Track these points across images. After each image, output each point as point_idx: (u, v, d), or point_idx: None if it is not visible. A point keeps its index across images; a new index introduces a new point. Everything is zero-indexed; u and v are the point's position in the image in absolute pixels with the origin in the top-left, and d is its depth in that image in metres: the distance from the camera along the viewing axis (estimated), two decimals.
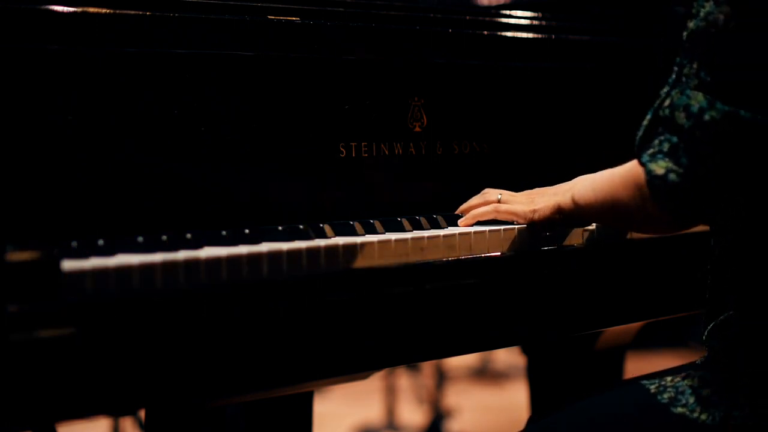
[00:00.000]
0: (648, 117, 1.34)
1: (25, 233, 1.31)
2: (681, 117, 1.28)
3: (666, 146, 1.29)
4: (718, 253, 1.40)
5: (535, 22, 1.90)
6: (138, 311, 1.15)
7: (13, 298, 1.08)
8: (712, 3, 1.28)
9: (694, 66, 1.29)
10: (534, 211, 1.53)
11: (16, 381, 1.06)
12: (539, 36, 1.89)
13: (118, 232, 1.35)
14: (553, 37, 1.91)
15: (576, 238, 1.62)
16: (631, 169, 1.35)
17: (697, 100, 1.27)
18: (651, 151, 1.30)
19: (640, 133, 1.34)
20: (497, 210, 1.56)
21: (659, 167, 1.29)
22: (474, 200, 1.61)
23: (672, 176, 1.28)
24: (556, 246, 1.59)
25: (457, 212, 1.62)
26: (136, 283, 1.17)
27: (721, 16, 1.27)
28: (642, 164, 1.31)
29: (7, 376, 1.06)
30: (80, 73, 1.38)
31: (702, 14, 1.29)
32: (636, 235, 1.70)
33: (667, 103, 1.31)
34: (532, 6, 1.95)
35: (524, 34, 1.88)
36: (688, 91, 1.28)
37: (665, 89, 1.32)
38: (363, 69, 1.66)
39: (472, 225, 1.57)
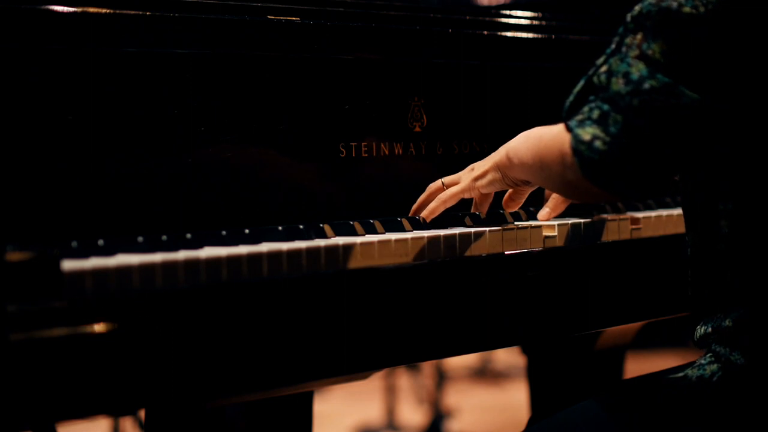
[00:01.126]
0: (581, 83, 1.32)
1: (25, 233, 1.31)
2: (619, 83, 1.26)
3: (596, 113, 1.27)
4: (693, 249, 1.40)
5: (535, 22, 1.91)
6: (138, 311, 1.15)
7: (13, 298, 1.08)
8: None
9: (638, 37, 1.27)
10: (477, 178, 1.51)
11: (16, 381, 1.06)
12: (539, 36, 1.90)
13: (118, 232, 1.35)
14: (553, 37, 1.91)
15: (575, 237, 1.62)
16: (558, 133, 1.32)
17: (638, 68, 1.25)
18: (579, 117, 1.28)
19: (571, 98, 1.32)
20: (441, 200, 1.55)
21: (586, 133, 1.27)
22: (421, 198, 1.60)
23: (598, 143, 1.25)
24: (556, 246, 1.59)
25: (410, 214, 1.61)
26: (136, 283, 1.17)
27: (674, 3, 1.26)
28: (569, 129, 1.29)
29: (7, 376, 1.06)
30: (80, 73, 1.38)
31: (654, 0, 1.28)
32: (636, 235, 1.70)
33: (603, 69, 1.29)
34: (532, 6, 1.95)
35: (524, 34, 1.88)
36: (629, 59, 1.27)
37: (602, 59, 1.31)
38: (363, 69, 1.66)
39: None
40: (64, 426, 1.21)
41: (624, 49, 1.28)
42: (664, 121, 1.24)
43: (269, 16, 1.57)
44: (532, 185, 1.53)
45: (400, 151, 1.70)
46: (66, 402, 1.10)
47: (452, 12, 1.82)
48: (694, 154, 1.30)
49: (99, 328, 1.11)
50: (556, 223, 1.61)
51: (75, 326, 1.10)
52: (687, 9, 1.26)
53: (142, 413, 2.13)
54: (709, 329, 1.37)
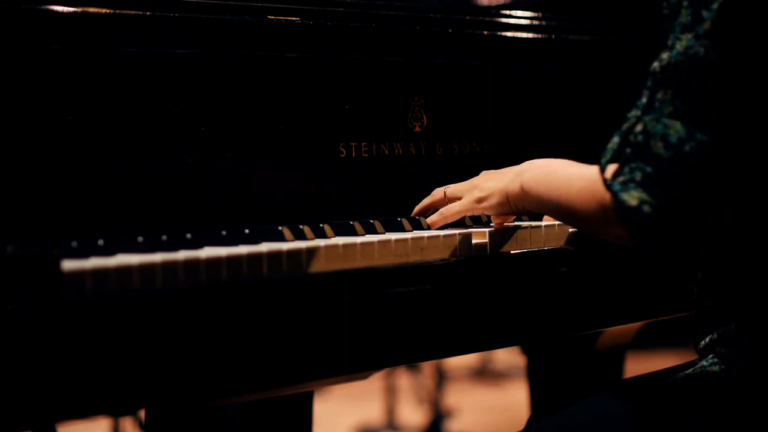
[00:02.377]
0: (615, 140, 1.30)
1: (25, 233, 1.31)
2: (658, 146, 1.25)
3: (638, 175, 1.25)
4: (708, 262, 1.39)
5: (535, 22, 1.90)
6: (138, 311, 1.15)
7: (14, 298, 1.08)
8: (691, 37, 1.26)
9: (669, 93, 1.26)
10: (480, 200, 1.51)
11: (16, 381, 1.06)
12: (539, 36, 1.89)
13: (118, 232, 1.35)
14: (553, 37, 1.91)
15: (575, 237, 1.62)
16: (592, 185, 1.31)
17: (676, 129, 1.24)
18: (622, 179, 1.27)
19: (608, 156, 1.30)
20: (443, 215, 1.55)
21: (632, 198, 1.25)
22: (424, 202, 1.61)
23: (646, 208, 1.24)
24: (556, 246, 1.59)
25: (412, 215, 1.61)
26: (136, 283, 1.17)
27: (702, 50, 1.25)
28: (613, 192, 1.27)
29: (7, 376, 1.06)
30: (80, 73, 1.38)
31: (679, 47, 1.27)
32: None
33: (639, 128, 1.27)
34: (532, 6, 1.95)
35: (524, 34, 1.88)
36: (664, 120, 1.25)
37: (634, 112, 1.29)
38: (363, 69, 1.66)
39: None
40: (64, 426, 1.21)
41: (657, 104, 1.27)
42: (705, 183, 1.25)
43: (269, 16, 1.57)
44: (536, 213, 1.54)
45: (400, 151, 1.70)
46: (66, 402, 1.10)
47: (452, 12, 1.82)
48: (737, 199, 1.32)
49: (99, 328, 1.11)
50: (556, 223, 1.61)
51: (75, 326, 1.10)
52: (714, 57, 1.25)
53: (142, 413, 2.13)
54: (715, 336, 1.37)
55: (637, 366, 2.40)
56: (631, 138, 1.28)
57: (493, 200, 1.49)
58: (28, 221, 1.32)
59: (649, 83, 1.29)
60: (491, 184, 1.50)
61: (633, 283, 1.69)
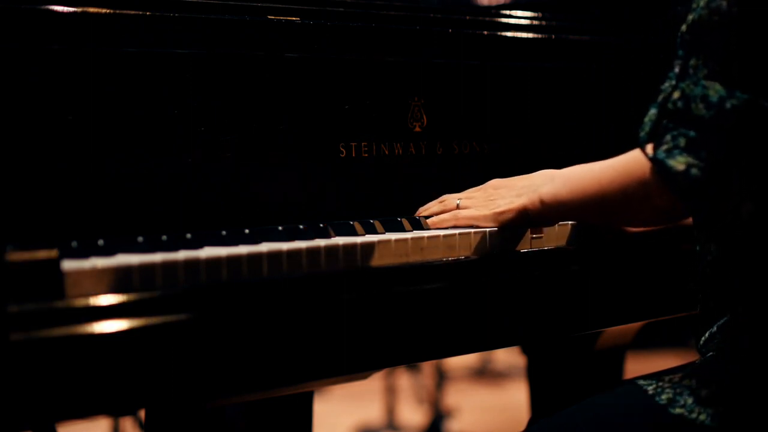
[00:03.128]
0: (653, 111, 1.31)
1: (25, 233, 1.31)
2: (700, 108, 1.25)
3: (682, 141, 1.26)
4: (716, 254, 1.39)
5: (535, 22, 1.90)
6: (138, 311, 1.15)
7: (14, 298, 1.08)
8: None
9: (701, 57, 1.27)
10: (498, 214, 1.51)
11: (16, 381, 1.06)
12: (539, 36, 1.89)
13: (118, 232, 1.35)
14: (553, 37, 1.91)
15: (576, 236, 1.62)
16: (628, 165, 1.32)
17: (715, 89, 1.25)
18: (665, 147, 1.27)
19: (647, 129, 1.31)
20: (456, 217, 1.55)
21: (679, 163, 1.26)
22: (433, 207, 1.60)
23: (694, 171, 1.25)
24: (557, 246, 1.59)
25: (416, 215, 1.61)
26: (136, 283, 1.17)
27: (724, 3, 1.26)
28: (659, 161, 1.27)
29: (7, 376, 1.06)
30: (80, 73, 1.38)
31: (702, 3, 1.28)
32: (634, 232, 1.70)
33: (676, 95, 1.28)
34: (532, 6, 1.95)
35: (524, 34, 1.88)
36: (703, 82, 1.26)
37: (668, 83, 1.30)
38: (363, 69, 1.66)
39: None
40: (64, 426, 1.21)
41: (691, 71, 1.27)
42: (749, 139, 1.24)
43: (269, 16, 1.57)
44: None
45: (400, 151, 1.70)
46: (66, 402, 1.10)
47: (452, 12, 1.82)
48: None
49: (99, 328, 1.11)
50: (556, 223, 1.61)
51: (75, 326, 1.10)
52: (735, 9, 1.25)
53: (142, 413, 2.13)
54: (715, 329, 1.37)
55: (637, 366, 2.40)
56: (670, 106, 1.28)
57: (509, 215, 1.50)
58: (28, 221, 1.32)
59: (680, 52, 1.30)
60: (507, 200, 1.51)
61: (633, 283, 1.69)
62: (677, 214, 1.33)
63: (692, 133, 1.25)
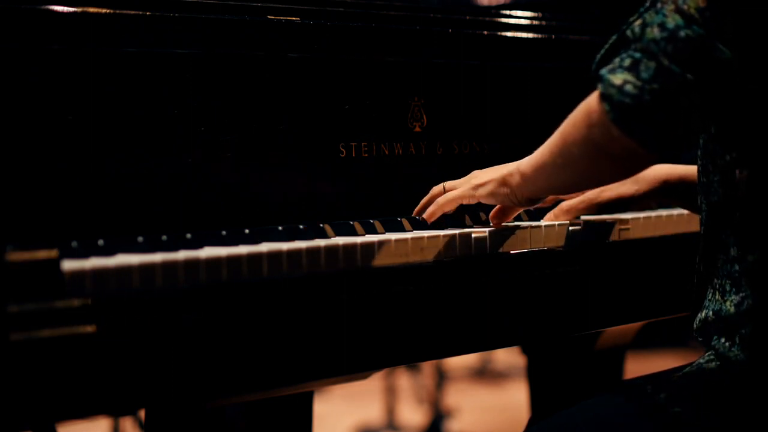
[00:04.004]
0: (613, 37, 1.31)
1: (25, 233, 1.31)
2: (654, 31, 1.26)
3: (627, 61, 1.27)
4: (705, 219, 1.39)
5: (535, 22, 1.91)
6: (138, 311, 1.15)
7: (14, 298, 1.08)
8: None
9: None
10: (477, 186, 1.51)
11: (16, 381, 1.06)
12: (539, 36, 1.90)
13: (118, 232, 1.35)
14: (553, 37, 1.91)
15: (575, 237, 1.62)
16: (584, 101, 1.32)
17: (674, 18, 1.26)
18: (610, 66, 1.28)
19: (602, 52, 1.31)
20: (438, 204, 1.55)
21: (617, 78, 1.26)
22: (423, 201, 1.61)
23: (629, 87, 1.25)
24: (556, 246, 1.59)
25: (413, 215, 1.61)
26: (136, 283, 1.17)
27: None
28: (599, 76, 1.28)
29: (7, 376, 1.06)
30: (80, 73, 1.38)
31: None
32: (635, 235, 1.70)
33: (638, 22, 1.29)
34: (532, 6, 1.96)
35: (524, 34, 1.88)
36: (664, 10, 1.27)
37: (635, 16, 1.31)
38: (363, 69, 1.66)
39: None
40: (64, 426, 1.21)
41: (659, 4, 1.29)
42: (696, 69, 1.24)
43: (269, 16, 1.57)
44: (534, 203, 1.52)
45: (400, 151, 1.70)
46: (66, 402, 1.10)
47: (452, 12, 1.82)
48: (720, 111, 1.31)
49: (99, 328, 1.11)
50: (556, 223, 1.61)
51: (75, 326, 1.10)
52: None
53: (142, 413, 2.13)
54: (710, 314, 1.37)
55: (637, 366, 2.41)
56: (628, 33, 1.29)
57: (490, 186, 1.49)
58: (28, 221, 1.32)
59: None
60: (489, 173, 1.51)
61: (633, 283, 1.69)
62: (622, 149, 1.30)
63: (638, 55, 1.26)
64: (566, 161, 1.37)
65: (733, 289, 1.35)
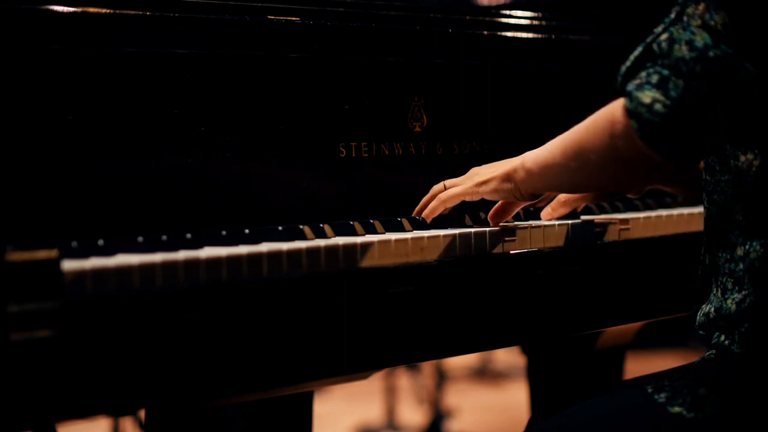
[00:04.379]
0: (639, 50, 1.30)
1: (25, 233, 1.31)
2: (682, 49, 1.26)
3: (655, 78, 1.26)
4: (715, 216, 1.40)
5: (535, 22, 1.91)
6: (138, 311, 1.15)
7: (14, 298, 1.08)
8: None
9: (700, 7, 1.28)
10: (480, 183, 1.50)
11: (16, 381, 1.06)
12: (539, 36, 1.90)
13: (118, 232, 1.35)
14: (553, 37, 1.91)
15: (575, 236, 1.62)
16: (606, 110, 1.32)
17: (702, 37, 1.26)
18: (637, 81, 1.28)
19: (628, 64, 1.31)
20: (441, 200, 1.55)
21: (645, 96, 1.26)
22: (424, 199, 1.60)
23: (658, 106, 1.25)
24: (556, 246, 1.59)
25: (413, 215, 1.61)
26: (136, 283, 1.17)
27: None
28: (626, 93, 1.28)
29: (7, 376, 1.06)
30: (80, 73, 1.38)
31: None
32: (635, 235, 1.70)
33: (664, 37, 1.28)
34: (532, 6, 1.95)
35: (524, 34, 1.88)
36: (692, 27, 1.27)
37: (661, 27, 1.30)
38: (363, 69, 1.66)
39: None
40: (64, 426, 1.21)
41: (686, 18, 1.28)
42: (725, 88, 1.25)
43: (269, 16, 1.57)
44: (538, 198, 1.52)
45: (400, 151, 1.70)
46: (66, 402, 1.10)
47: (452, 12, 1.82)
48: (743, 126, 1.31)
49: (99, 328, 1.11)
50: (556, 223, 1.61)
51: (75, 326, 1.10)
52: None
53: (142, 413, 2.13)
54: (712, 310, 1.37)
55: (637, 366, 2.41)
56: (654, 47, 1.29)
57: (494, 183, 1.49)
58: (28, 221, 1.32)
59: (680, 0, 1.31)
60: (490, 169, 1.51)
61: (633, 283, 1.69)
62: (646, 163, 1.31)
63: (666, 72, 1.26)
64: (581, 165, 1.37)
65: (735, 288, 1.35)
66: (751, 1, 1.27)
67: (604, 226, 1.66)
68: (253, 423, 1.72)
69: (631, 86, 1.28)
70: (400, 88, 1.70)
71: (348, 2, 1.68)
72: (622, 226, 1.68)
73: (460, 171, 1.59)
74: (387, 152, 1.68)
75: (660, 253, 1.73)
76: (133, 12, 1.43)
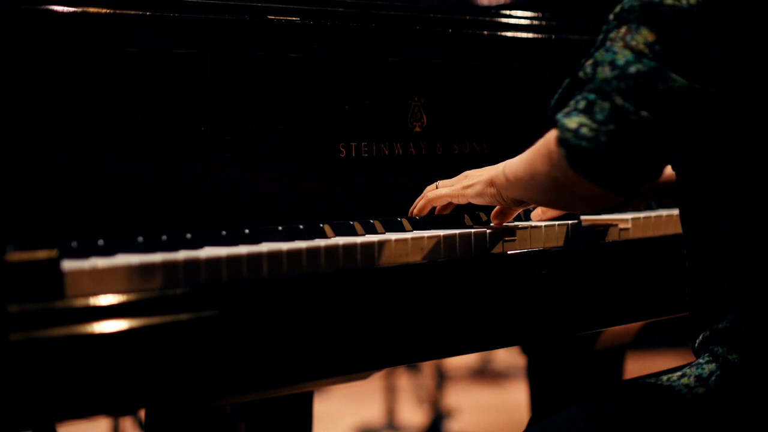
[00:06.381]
0: (566, 81, 1.30)
1: (25, 233, 1.31)
2: (605, 71, 1.24)
3: (582, 104, 1.24)
4: (691, 254, 1.39)
5: (535, 22, 1.91)
6: (138, 311, 1.15)
7: (14, 298, 1.08)
8: None
9: (622, 30, 1.26)
10: (466, 187, 1.51)
11: (16, 381, 1.06)
12: (539, 36, 1.90)
13: (118, 232, 1.35)
14: (553, 37, 1.91)
15: (575, 237, 1.62)
16: (543, 140, 1.30)
17: (624, 55, 1.24)
18: (566, 110, 1.26)
19: (556, 96, 1.30)
20: (428, 198, 1.56)
21: (572, 122, 1.23)
22: (417, 199, 1.61)
23: (584, 130, 1.22)
24: (556, 246, 1.59)
25: (409, 215, 1.61)
26: (136, 283, 1.17)
27: None
28: (555, 122, 1.25)
29: (7, 376, 1.06)
30: (80, 73, 1.38)
31: None
32: (636, 235, 1.70)
33: (589, 62, 1.27)
34: (532, 6, 1.95)
35: (524, 34, 1.88)
36: (614, 48, 1.25)
37: (586, 56, 1.29)
38: (363, 69, 1.66)
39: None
40: (64, 426, 1.20)
41: (609, 43, 1.27)
42: (651, 105, 1.21)
43: (269, 16, 1.57)
44: (525, 204, 1.52)
45: (400, 151, 1.70)
46: (66, 402, 1.10)
47: (452, 12, 1.82)
48: (683, 144, 1.29)
49: (99, 328, 1.11)
50: (556, 223, 1.61)
51: (75, 326, 1.10)
52: (669, 1, 1.25)
53: (142, 413, 2.13)
54: (708, 333, 1.37)
55: (637, 366, 2.41)
56: (580, 74, 1.27)
57: (478, 187, 1.49)
58: (28, 221, 1.32)
59: (603, 28, 1.30)
60: (479, 173, 1.51)
61: (633, 283, 1.69)
62: (575, 192, 1.28)
63: (592, 96, 1.24)
64: (536, 187, 1.36)
65: (729, 308, 1.35)
66: (671, 19, 1.25)
67: (605, 226, 1.66)
68: (253, 423, 1.72)
69: (559, 115, 1.26)
70: (400, 88, 1.70)
71: (348, 2, 1.68)
72: (622, 226, 1.68)
73: (460, 171, 1.59)
74: (387, 152, 1.68)
75: (660, 253, 1.73)
76: (133, 12, 1.43)
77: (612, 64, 1.24)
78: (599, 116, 1.22)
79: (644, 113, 1.21)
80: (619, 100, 1.22)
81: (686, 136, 1.27)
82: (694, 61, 1.24)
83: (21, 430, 1.10)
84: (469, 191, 1.50)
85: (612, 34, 1.27)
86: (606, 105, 1.22)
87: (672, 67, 1.23)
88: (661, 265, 1.73)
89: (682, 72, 1.23)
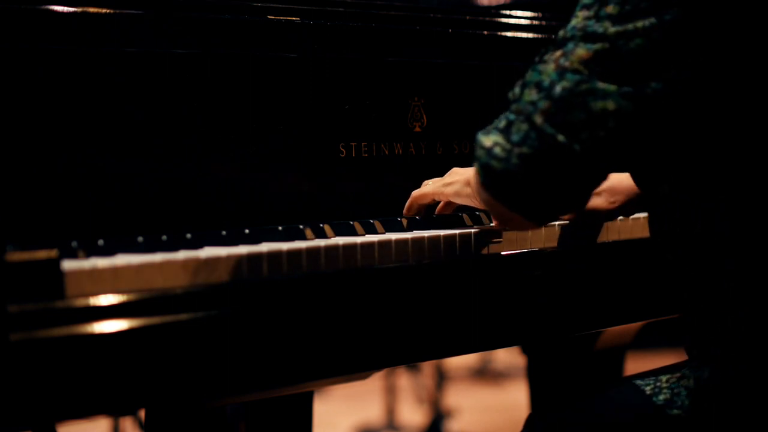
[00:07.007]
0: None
1: (25, 233, 1.31)
2: (531, 93, 1.20)
3: (502, 123, 1.21)
4: (699, 264, 1.38)
5: (535, 22, 1.90)
6: (138, 311, 1.15)
7: (14, 298, 1.08)
8: (590, 15, 1.25)
9: (557, 53, 1.23)
10: (446, 184, 1.51)
11: (16, 381, 1.06)
12: (539, 36, 1.89)
13: (118, 232, 1.35)
14: (553, 37, 1.91)
15: (574, 236, 1.62)
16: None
17: (548, 73, 1.20)
18: (489, 127, 1.24)
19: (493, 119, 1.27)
20: (413, 196, 1.57)
21: (488, 140, 1.21)
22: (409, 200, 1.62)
23: (497, 150, 1.19)
24: (556, 246, 1.59)
25: (404, 214, 1.61)
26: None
27: (600, 29, 1.22)
28: (476, 138, 1.23)
29: (7, 376, 1.06)
30: (80, 73, 1.38)
31: (575, 23, 1.26)
32: (636, 235, 1.70)
33: (519, 83, 1.24)
34: (532, 6, 1.95)
35: (524, 34, 1.88)
36: (539, 67, 1.22)
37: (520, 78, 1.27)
38: (363, 69, 1.66)
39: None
40: (64, 426, 1.20)
41: (540, 65, 1.24)
42: (571, 129, 1.16)
43: (269, 16, 1.57)
44: None
45: (400, 151, 1.70)
46: (66, 402, 1.10)
47: (452, 12, 1.82)
48: (659, 149, 1.25)
49: (99, 328, 1.11)
50: (556, 223, 1.61)
51: (75, 326, 1.10)
52: (612, 30, 1.21)
53: (142, 413, 2.13)
54: (707, 333, 1.37)
55: (637, 366, 2.40)
56: (510, 95, 1.25)
57: (457, 186, 1.49)
58: (28, 221, 1.32)
59: (536, 58, 1.27)
60: (461, 172, 1.51)
61: (633, 283, 1.69)
62: (503, 214, 1.25)
63: (512, 116, 1.21)
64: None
65: (729, 308, 1.34)
66: (614, 41, 1.21)
67: (604, 226, 1.66)
68: (253, 423, 1.72)
69: (480, 133, 1.24)
70: (400, 88, 1.70)
71: (348, 2, 1.68)
72: (622, 225, 1.68)
73: None
74: (387, 152, 1.68)
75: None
76: (133, 12, 1.43)
77: (538, 85, 1.20)
78: (515, 137, 1.19)
79: (561, 138, 1.17)
80: (538, 120, 1.18)
81: (638, 149, 1.22)
82: (657, 56, 1.19)
83: (21, 430, 1.10)
84: (449, 189, 1.51)
85: (547, 56, 1.25)
86: (524, 126, 1.19)
87: (603, 77, 1.18)
88: (661, 265, 1.73)
89: (618, 78, 1.18)
